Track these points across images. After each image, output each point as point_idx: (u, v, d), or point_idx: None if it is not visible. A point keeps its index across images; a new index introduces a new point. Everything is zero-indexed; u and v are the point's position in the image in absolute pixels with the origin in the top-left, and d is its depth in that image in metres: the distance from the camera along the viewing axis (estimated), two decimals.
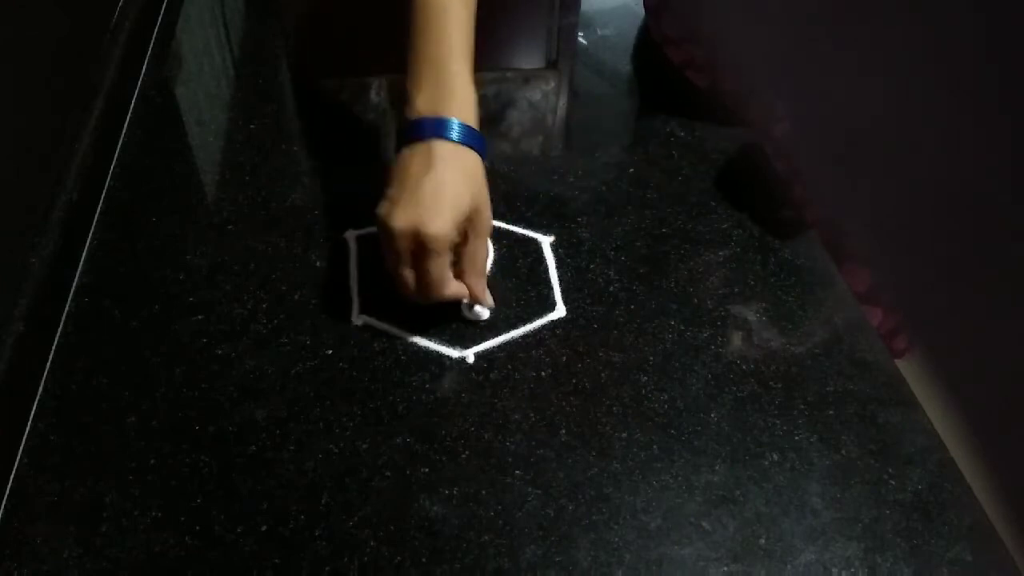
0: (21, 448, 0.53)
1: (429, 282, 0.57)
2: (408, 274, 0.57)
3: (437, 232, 0.55)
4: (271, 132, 0.79)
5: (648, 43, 0.91)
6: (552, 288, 0.65)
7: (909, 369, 0.63)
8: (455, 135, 0.58)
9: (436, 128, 0.58)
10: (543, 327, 0.62)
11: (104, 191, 0.71)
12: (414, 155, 0.58)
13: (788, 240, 0.70)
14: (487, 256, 0.62)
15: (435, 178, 0.56)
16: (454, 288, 0.58)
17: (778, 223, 0.71)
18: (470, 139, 0.59)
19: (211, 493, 0.51)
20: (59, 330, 0.60)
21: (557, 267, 0.67)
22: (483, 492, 0.52)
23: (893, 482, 0.54)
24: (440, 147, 0.58)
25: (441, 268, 0.56)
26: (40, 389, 0.56)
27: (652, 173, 0.76)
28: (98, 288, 0.63)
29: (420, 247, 0.55)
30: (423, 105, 0.60)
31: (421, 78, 0.61)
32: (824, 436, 0.56)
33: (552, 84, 0.88)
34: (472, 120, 0.60)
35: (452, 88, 0.60)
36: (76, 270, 0.64)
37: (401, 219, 0.55)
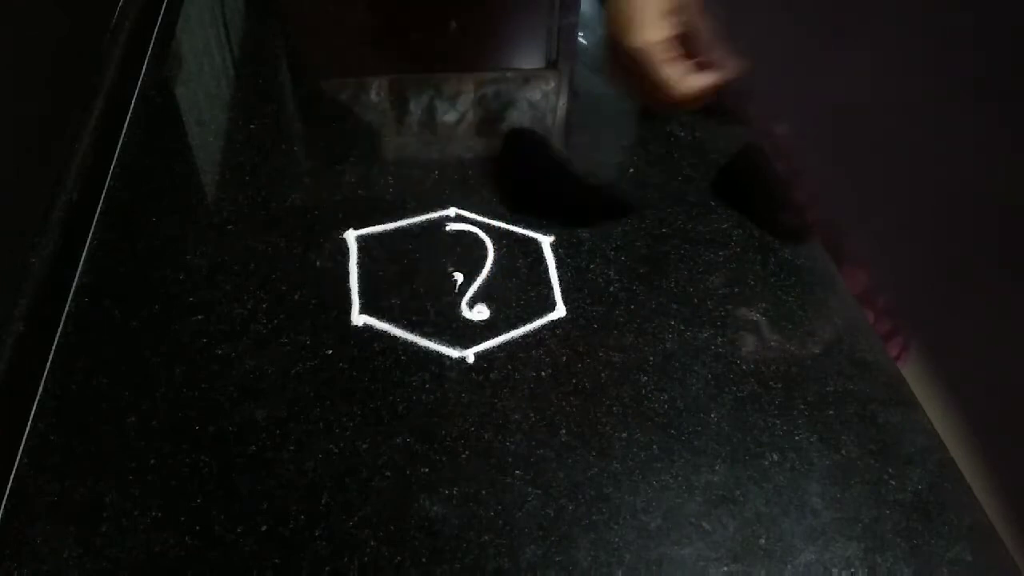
0: (21, 448, 0.53)
1: (665, 85, 0.56)
2: (648, 86, 0.57)
3: (643, 41, 0.55)
4: (271, 132, 0.79)
5: None
6: (552, 288, 0.65)
7: (909, 369, 0.63)
8: None
9: None
10: (543, 327, 0.62)
11: (104, 191, 0.71)
12: None
13: (789, 243, 0.70)
14: (711, 40, 0.58)
15: None
16: (692, 81, 0.57)
17: (779, 225, 0.71)
18: None
19: (211, 493, 0.51)
20: (59, 330, 0.60)
21: (557, 267, 0.67)
22: (483, 492, 0.52)
23: (893, 482, 0.54)
24: None
25: (667, 69, 0.56)
26: (40, 389, 0.56)
27: (652, 173, 0.76)
28: (98, 288, 0.63)
29: (641, 57, 0.55)
30: None
31: None
32: (824, 436, 0.56)
33: (552, 84, 0.88)
34: None
35: None
36: (76, 270, 0.64)
37: (612, 42, 0.56)
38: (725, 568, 0.49)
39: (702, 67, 0.58)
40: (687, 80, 0.57)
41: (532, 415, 0.56)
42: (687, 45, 0.57)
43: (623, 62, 0.56)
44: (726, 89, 0.58)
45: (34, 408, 0.55)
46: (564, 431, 0.55)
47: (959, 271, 0.12)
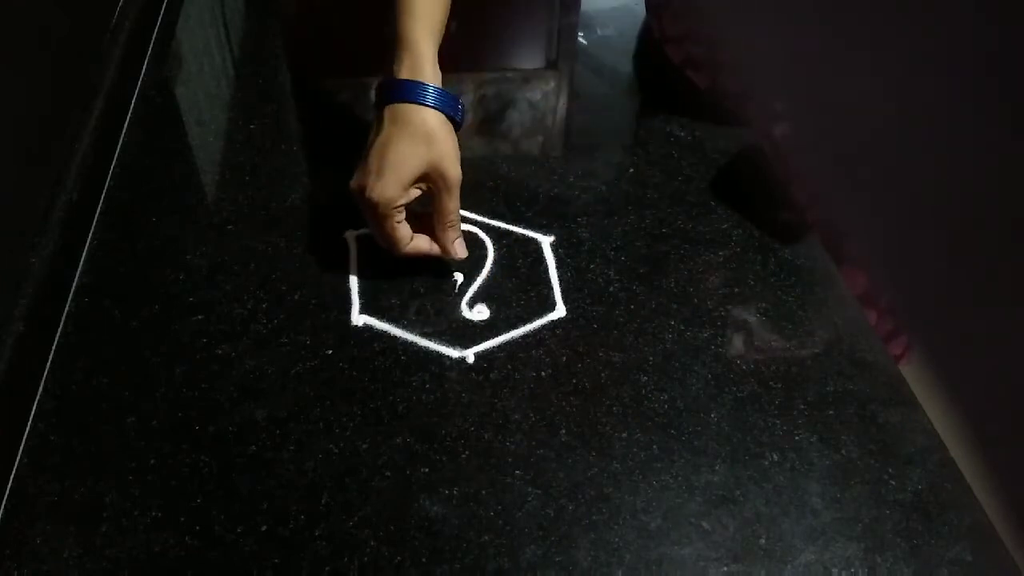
0: (21, 448, 0.53)
1: (388, 241, 0.61)
2: (375, 233, 0.62)
3: (378, 197, 0.58)
4: (271, 132, 0.79)
5: (649, 43, 0.91)
6: (552, 288, 0.65)
7: (909, 369, 0.63)
8: (407, 95, 0.59)
9: (388, 93, 0.60)
10: (543, 327, 0.62)
11: (104, 191, 0.71)
12: (375, 122, 0.61)
13: (789, 243, 0.70)
14: (454, 210, 0.62)
15: (381, 143, 0.59)
16: (414, 245, 0.61)
17: (779, 225, 0.71)
18: (422, 98, 0.59)
19: (211, 493, 0.51)
20: (59, 330, 0.60)
21: (557, 267, 0.67)
22: (483, 492, 0.52)
23: (893, 482, 0.54)
24: (391, 111, 0.60)
25: (392, 228, 0.60)
26: (40, 389, 0.56)
27: (652, 173, 0.76)
28: (98, 288, 0.63)
29: (371, 210, 0.59)
30: (384, 73, 0.62)
31: (389, 50, 0.62)
32: (824, 436, 0.56)
33: (552, 84, 0.88)
34: (427, 77, 0.60)
35: (404, 50, 0.61)
36: (76, 270, 0.64)
37: (353, 184, 0.60)
38: (725, 568, 0.49)
39: (435, 231, 0.62)
40: (409, 244, 0.61)
41: (532, 415, 0.56)
42: (436, 206, 0.61)
43: (362, 208, 0.61)
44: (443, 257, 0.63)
45: (34, 408, 0.55)
46: (564, 431, 0.55)
47: (959, 271, 0.12)
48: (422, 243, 0.62)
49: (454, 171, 0.60)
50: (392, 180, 0.58)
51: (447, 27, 0.65)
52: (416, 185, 0.60)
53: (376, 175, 0.58)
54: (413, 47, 0.61)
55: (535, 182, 0.74)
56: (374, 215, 0.59)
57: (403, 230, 0.61)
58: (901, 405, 0.59)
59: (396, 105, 0.60)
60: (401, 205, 0.59)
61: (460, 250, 0.63)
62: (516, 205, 0.72)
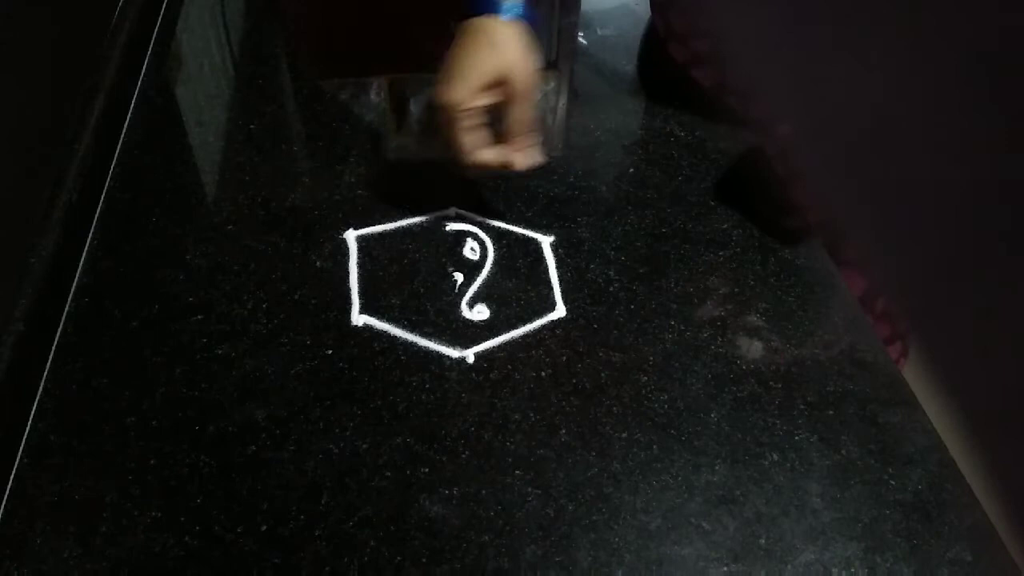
0: (21, 448, 0.53)
1: (457, 149, 0.62)
2: (448, 140, 0.63)
3: (448, 101, 0.61)
4: (271, 132, 0.79)
5: (650, 42, 0.91)
6: (552, 288, 0.65)
7: (909, 369, 0.63)
8: (475, 8, 0.63)
9: (462, 10, 0.63)
10: (543, 327, 0.62)
11: (104, 191, 0.71)
12: (455, 36, 0.64)
13: (790, 244, 0.70)
14: (521, 118, 0.63)
15: (456, 52, 0.62)
16: (479, 155, 0.63)
17: (780, 226, 0.71)
18: (487, 8, 0.63)
19: (211, 493, 0.51)
20: (59, 330, 0.60)
21: (557, 267, 0.67)
22: (483, 492, 0.52)
23: (893, 482, 0.54)
24: (469, 24, 0.63)
25: (459, 133, 0.62)
26: (40, 389, 0.56)
27: (652, 173, 0.76)
28: (98, 288, 0.63)
29: (443, 114, 0.61)
30: None
31: None
32: (824, 436, 0.56)
33: (552, 84, 0.88)
34: None
35: None
36: (76, 270, 0.64)
37: (435, 93, 0.62)
38: (725, 568, 0.49)
39: (506, 143, 0.63)
40: (477, 152, 0.63)
41: (532, 415, 0.56)
42: (502, 118, 0.63)
43: (438, 115, 0.63)
44: (520, 170, 0.64)
45: (34, 408, 0.55)
46: (564, 431, 0.55)
47: (959, 272, 0.12)
48: (487, 154, 0.63)
49: (522, 78, 0.62)
50: (458, 85, 0.61)
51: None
52: (490, 92, 0.62)
53: (447, 82, 0.61)
54: None
55: (535, 182, 0.74)
56: (445, 119, 0.62)
57: (470, 137, 0.62)
58: (901, 405, 0.59)
59: (475, 19, 0.63)
60: (469, 110, 0.61)
61: (520, 160, 0.64)
62: (516, 205, 0.72)
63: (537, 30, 0.64)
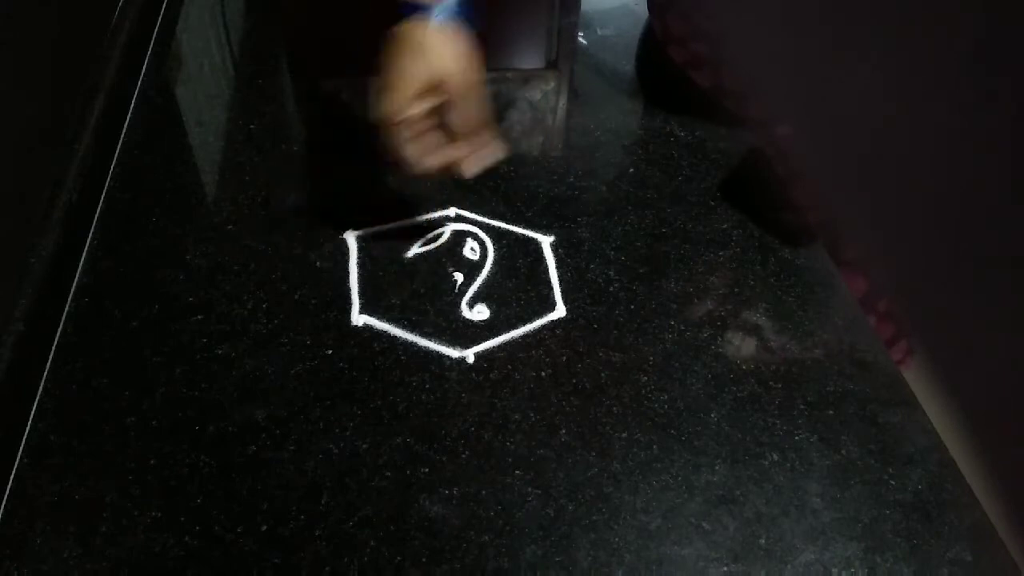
0: (21, 448, 0.53)
1: (402, 159, 0.59)
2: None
3: (383, 113, 0.58)
4: (271, 132, 0.79)
5: (649, 43, 0.91)
6: (552, 288, 0.65)
7: (909, 369, 0.63)
8: (411, 11, 0.59)
9: (400, 10, 0.60)
10: (543, 327, 0.62)
11: (104, 191, 0.71)
12: (386, 44, 0.61)
13: (791, 245, 0.70)
14: (458, 121, 0.60)
15: (387, 63, 0.59)
16: (422, 165, 0.60)
17: (781, 227, 0.71)
18: (410, 12, 0.59)
19: (211, 493, 0.51)
20: (59, 330, 0.60)
21: (557, 267, 0.67)
22: (483, 492, 0.52)
23: (893, 482, 0.54)
24: (397, 30, 0.60)
25: (406, 145, 0.59)
26: (40, 389, 0.56)
27: (652, 173, 0.76)
28: (98, 288, 0.63)
29: (381, 129, 0.59)
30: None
31: None
32: (824, 436, 0.56)
33: (552, 84, 0.88)
34: None
35: None
36: (76, 270, 0.64)
37: (370, 107, 0.60)
38: (725, 568, 0.49)
39: (454, 146, 0.60)
40: (423, 160, 0.60)
41: (532, 415, 0.56)
42: (447, 118, 0.60)
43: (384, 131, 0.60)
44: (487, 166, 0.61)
45: (34, 408, 0.55)
46: (564, 431, 0.55)
47: (959, 273, 0.12)
48: (434, 160, 0.60)
49: (457, 79, 0.59)
50: (391, 95, 0.58)
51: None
52: (427, 98, 0.59)
53: (377, 95, 0.59)
54: None
55: (535, 182, 0.74)
56: (385, 132, 0.59)
57: (414, 146, 0.60)
58: (901, 405, 0.59)
59: (402, 26, 0.60)
60: (408, 119, 0.59)
61: (468, 166, 0.61)
62: (516, 205, 0.72)
63: (473, 25, 0.61)
